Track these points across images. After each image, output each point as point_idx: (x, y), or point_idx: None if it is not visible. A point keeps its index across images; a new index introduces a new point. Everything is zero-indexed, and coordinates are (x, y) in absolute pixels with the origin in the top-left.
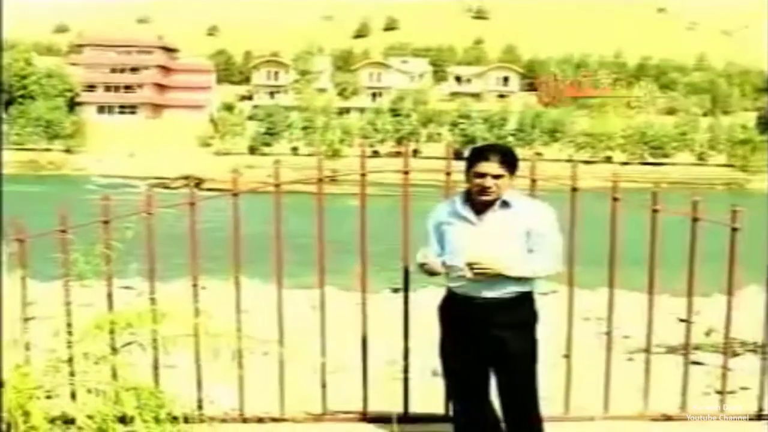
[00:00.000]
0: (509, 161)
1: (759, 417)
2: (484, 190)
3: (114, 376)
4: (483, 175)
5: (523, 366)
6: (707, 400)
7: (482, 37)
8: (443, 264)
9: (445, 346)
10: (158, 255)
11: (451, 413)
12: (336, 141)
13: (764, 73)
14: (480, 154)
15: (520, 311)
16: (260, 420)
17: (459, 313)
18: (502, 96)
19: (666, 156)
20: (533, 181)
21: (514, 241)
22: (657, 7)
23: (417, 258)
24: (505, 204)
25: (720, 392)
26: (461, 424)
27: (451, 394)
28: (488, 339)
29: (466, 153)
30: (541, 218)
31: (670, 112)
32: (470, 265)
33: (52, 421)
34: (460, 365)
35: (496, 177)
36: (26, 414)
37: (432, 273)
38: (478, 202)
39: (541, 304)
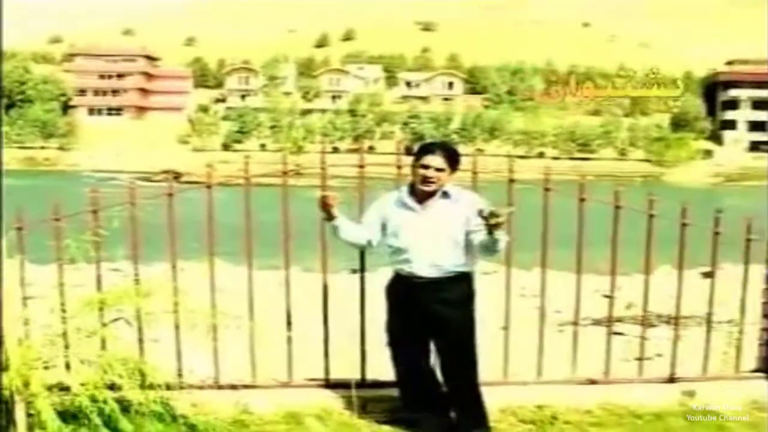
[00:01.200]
0: (452, 158)
1: (671, 380)
2: (426, 179)
3: (103, 348)
4: (427, 167)
5: (462, 337)
6: (627, 366)
7: (429, 47)
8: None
9: (392, 321)
10: (141, 241)
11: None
12: (300, 139)
13: (676, 81)
14: (427, 148)
15: (459, 289)
16: (233, 387)
17: (404, 292)
18: (447, 99)
19: (592, 152)
20: (475, 173)
21: (453, 227)
22: (582, 21)
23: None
24: (446, 194)
25: (638, 359)
26: (406, 389)
27: (396, 364)
28: (430, 314)
29: (416, 148)
30: (477, 207)
31: (596, 113)
32: (484, 216)
33: (50, 388)
34: (404, 338)
35: (439, 170)
36: (27, 383)
37: (326, 210)
38: (421, 192)
39: (482, 282)
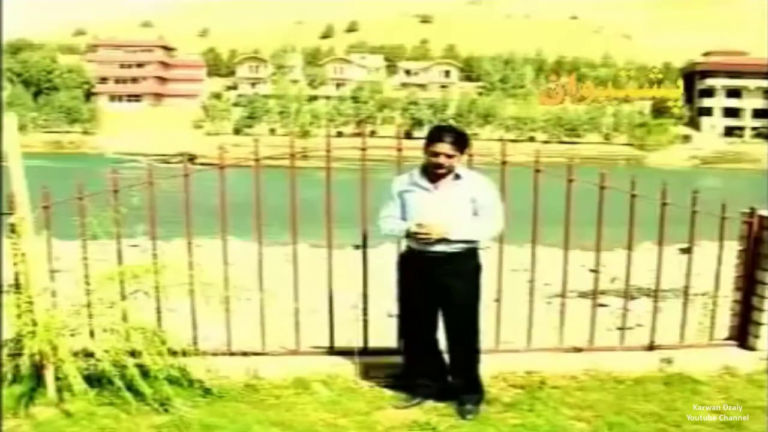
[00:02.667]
0: (461, 143)
1: (650, 348)
2: (438, 166)
3: (124, 318)
4: (438, 155)
5: (467, 308)
6: (610, 335)
7: (427, 38)
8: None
9: (404, 291)
10: (159, 218)
11: (401, 348)
12: (306, 123)
13: (656, 69)
14: (437, 135)
15: (466, 263)
16: (245, 354)
17: (416, 264)
18: (443, 86)
19: (578, 136)
20: (470, 156)
21: (462, 207)
22: (570, 15)
23: (384, 226)
24: (457, 176)
25: (620, 328)
26: (411, 356)
27: (403, 332)
28: (438, 285)
29: (425, 132)
30: (485, 189)
31: (582, 100)
32: (416, 232)
33: (76, 354)
34: (415, 308)
35: (449, 156)
36: (55, 348)
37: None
38: (433, 174)
39: None
